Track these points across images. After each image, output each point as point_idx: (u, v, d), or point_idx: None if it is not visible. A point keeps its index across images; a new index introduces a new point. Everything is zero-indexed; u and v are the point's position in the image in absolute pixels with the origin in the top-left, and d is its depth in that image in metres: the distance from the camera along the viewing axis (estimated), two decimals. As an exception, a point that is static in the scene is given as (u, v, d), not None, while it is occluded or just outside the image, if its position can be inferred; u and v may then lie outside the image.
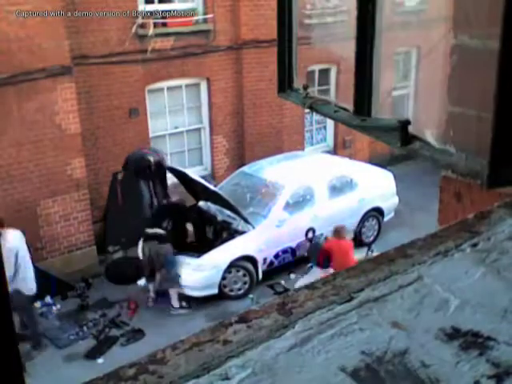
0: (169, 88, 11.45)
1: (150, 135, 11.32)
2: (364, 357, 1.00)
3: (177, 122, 11.78)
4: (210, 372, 0.96)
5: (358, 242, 10.80)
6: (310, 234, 10.01)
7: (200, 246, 9.34)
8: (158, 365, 0.98)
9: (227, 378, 0.95)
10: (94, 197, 10.31)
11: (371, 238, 11.02)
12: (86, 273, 9.89)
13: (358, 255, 9.10)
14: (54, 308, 9.29)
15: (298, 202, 9.96)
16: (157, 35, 10.66)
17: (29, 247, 8.18)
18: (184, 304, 9.18)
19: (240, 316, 1.10)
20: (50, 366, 7.97)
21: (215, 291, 9.22)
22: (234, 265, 9.29)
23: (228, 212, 9.63)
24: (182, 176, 10.08)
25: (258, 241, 9.37)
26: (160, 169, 9.94)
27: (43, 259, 9.62)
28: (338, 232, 9.02)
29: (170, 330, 8.52)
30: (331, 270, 8.68)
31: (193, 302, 9.21)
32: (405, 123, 1.36)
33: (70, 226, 9.89)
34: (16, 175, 9.16)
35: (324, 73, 12.88)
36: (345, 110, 1.61)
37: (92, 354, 8.26)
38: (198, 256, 9.00)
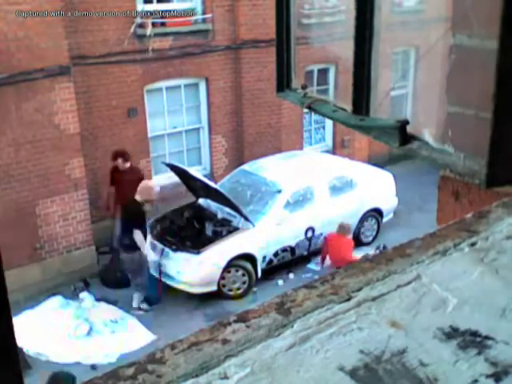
0: (167, 88, 11.44)
1: (149, 135, 11.32)
2: (362, 356, 1.00)
3: (175, 122, 11.77)
4: (209, 371, 0.96)
5: (357, 241, 10.81)
6: (310, 233, 10.01)
7: (199, 243, 9.31)
8: (157, 364, 0.98)
9: (226, 378, 0.95)
10: (92, 197, 10.31)
11: (370, 238, 11.02)
12: (84, 273, 9.89)
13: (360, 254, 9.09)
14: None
15: (298, 201, 9.95)
16: (155, 35, 10.65)
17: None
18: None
19: (239, 315, 1.10)
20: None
21: (214, 288, 9.20)
22: (232, 264, 9.28)
23: (228, 210, 9.62)
24: (182, 173, 10.07)
25: (258, 239, 9.36)
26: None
27: (42, 259, 9.62)
28: (342, 228, 9.38)
29: (169, 330, 8.52)
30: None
31: (193, 299, 9.21)
32: (403, 123, 1.36)
33: (69, 225, 9.88)
34: (14, 175, 9.14)
35: (322, 72, 12.88)
36: (343, 109, 1.61)
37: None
38: (198, 253, 8.99)
